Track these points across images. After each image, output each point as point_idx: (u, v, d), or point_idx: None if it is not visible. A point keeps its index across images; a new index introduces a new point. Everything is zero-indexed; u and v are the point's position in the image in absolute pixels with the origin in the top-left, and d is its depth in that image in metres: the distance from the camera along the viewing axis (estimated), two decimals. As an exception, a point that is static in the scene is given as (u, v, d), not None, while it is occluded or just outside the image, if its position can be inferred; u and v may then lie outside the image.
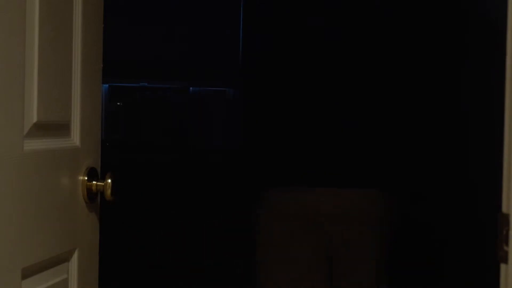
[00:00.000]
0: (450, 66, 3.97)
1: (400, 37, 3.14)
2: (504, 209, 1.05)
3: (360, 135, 3.19)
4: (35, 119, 1.36)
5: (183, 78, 5.14)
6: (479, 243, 3.39)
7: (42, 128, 1.39)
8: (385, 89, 3.20)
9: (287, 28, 3.55)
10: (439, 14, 3.47)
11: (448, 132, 4.05)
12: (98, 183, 1.58)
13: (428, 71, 3.37)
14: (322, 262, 2.76)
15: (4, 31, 1.25)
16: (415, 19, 3.22)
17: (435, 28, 3.28)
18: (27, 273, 1.35)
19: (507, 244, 1.03)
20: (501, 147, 1.11)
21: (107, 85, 4.98)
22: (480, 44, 3.90)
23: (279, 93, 3.35)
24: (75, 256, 1.55)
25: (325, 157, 3.11)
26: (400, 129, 3.19)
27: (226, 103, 5.19)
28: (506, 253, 1.04)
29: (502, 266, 1.06)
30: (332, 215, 2.82)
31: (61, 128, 1.50)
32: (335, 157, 3.12)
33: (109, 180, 1.58)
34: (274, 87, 3.16)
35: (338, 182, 3.00)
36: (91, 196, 1.58)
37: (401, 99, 3.17)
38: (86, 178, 1.56)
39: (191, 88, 5.17)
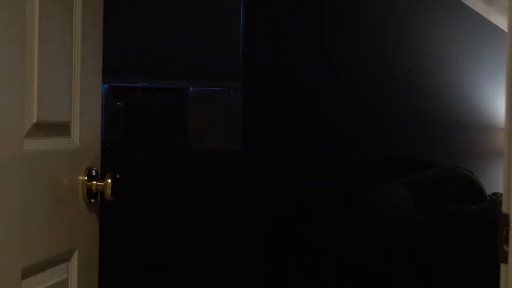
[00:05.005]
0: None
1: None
2: (504, 209, 1.05)
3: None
4: (35, 119, 1.36)
5: (183, 78, 5.14)
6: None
7: (42, 128, 1.39)
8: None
9: (287, 29, 3.55)
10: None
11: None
12: (98, 183, 1.58)
13: None
14: None
15: (4, 32, 1.25)
16: None
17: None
18: (27, 273, 1.35)
19: (507, 244, 1.03)
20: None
21: (107, 85, 4.98)
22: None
23: (279, 93, 3.36)
24: (75, 256, 1.55)
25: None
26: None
27: (226, 103, 5.18)
28: (506, 253, 1.04)
29: (502, 266, 1.06)
30: None
31: (61, 128, 1.50)
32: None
33: (109, 180, 1.57)
34: (274, 87, 3.17)
35: None
36: (91, 196, 1.57)
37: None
38: (86, 178, 1.56)
39: (191, 88, 5.17)
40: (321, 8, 5.10)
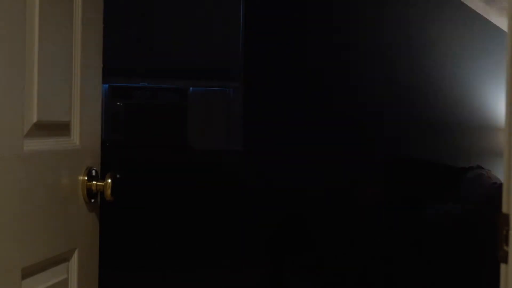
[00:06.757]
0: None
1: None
2: (504, 209, 1.05)
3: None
4: (35, 119, 1.36)
5: (183, 78, 5.14)
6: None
7: (42, 128, 1.39)
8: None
9: (287, 29, 3.53)
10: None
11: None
12: (98, 183, 1.57)
13: None
14: None
15: (5, 31, 1.25)
16: None
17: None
18: (27, 273, 1.35)
19: (507, 244, 1.03)
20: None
21: (107, 85, 4.98)
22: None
23: (279, 93, 3.36)
24: (75, 256, 1.55)
25: None
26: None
27: (226, 103, 5.18)
28: (506, 253, 1.03)
29: (502, 266, 1.06)
30: None
31: (61, 128, 1.50)
32: None
33: (109, 180, 1.57)
34: (274, 87, 3.17)
35: None
36: (91, 196, 1.57)
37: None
38: (86, 178, 1.56)
39: (191, 88, 5.17)
40: (321, 8, 5.10)
